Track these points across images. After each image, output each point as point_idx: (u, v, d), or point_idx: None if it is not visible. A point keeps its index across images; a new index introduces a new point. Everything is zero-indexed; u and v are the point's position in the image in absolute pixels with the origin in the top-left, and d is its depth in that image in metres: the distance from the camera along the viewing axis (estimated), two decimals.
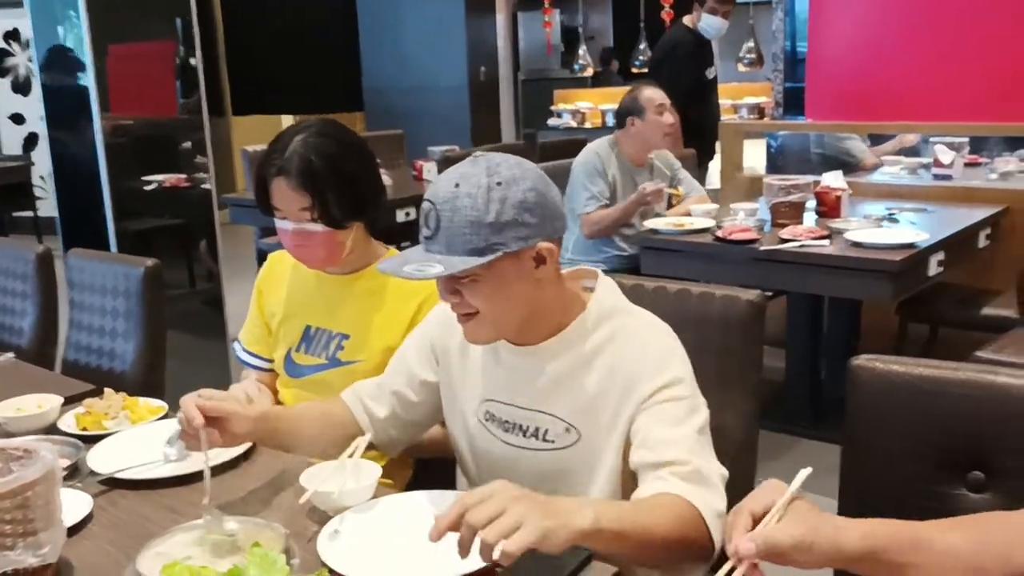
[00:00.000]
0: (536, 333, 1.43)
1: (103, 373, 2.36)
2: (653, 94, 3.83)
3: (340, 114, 8.85)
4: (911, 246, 3.11)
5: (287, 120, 8.75)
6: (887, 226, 3.46)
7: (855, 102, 4.40)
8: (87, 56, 3.76)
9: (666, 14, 7.94)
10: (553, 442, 1.43)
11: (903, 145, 5.02)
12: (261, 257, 5.28)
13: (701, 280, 2.63)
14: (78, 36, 3.89)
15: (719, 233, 3.39)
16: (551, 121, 8.50)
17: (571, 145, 4.84)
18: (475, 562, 1.07)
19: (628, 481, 1.36)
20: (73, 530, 1.38)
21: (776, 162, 5.03)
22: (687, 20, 5.17)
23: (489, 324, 1.38)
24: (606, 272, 1.56)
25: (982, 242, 3.72)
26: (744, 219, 3.52)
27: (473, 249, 1.30)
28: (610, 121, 8.13)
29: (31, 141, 8.50)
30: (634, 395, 1.35)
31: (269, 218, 1.85)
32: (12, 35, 8.39)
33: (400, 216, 4.93)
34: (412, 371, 1.60)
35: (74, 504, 1.44)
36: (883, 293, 3.07)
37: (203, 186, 4.89)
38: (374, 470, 1.47)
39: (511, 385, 1.47)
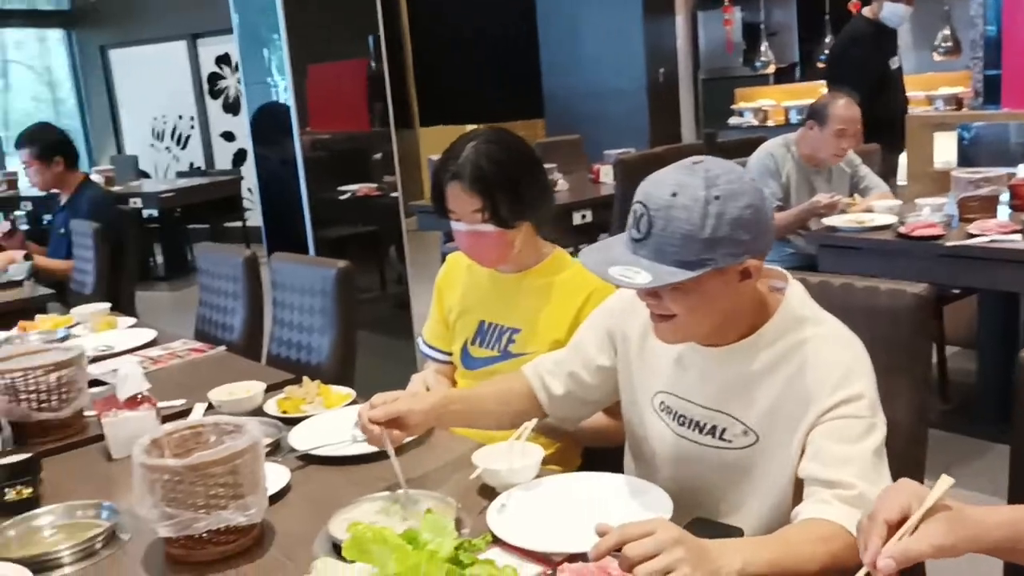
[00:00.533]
0: (724, 336, 1.44)
1: (301, 365, 2.57)
2: (844, 113, 3.69)
3: (521, 121, 9.12)
4: None
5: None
6: None
7: None
8: (288, 76, 4.08)
9: (853, 6, 7.67)
10: (730, 442, 1.45)
11: None
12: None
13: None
14: (280, 58, 4.23)
15: (901, 229, 3.29)
16: (732, 120, 8.38)
17: (748, 144, 4.78)
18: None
19: (797, 488, 1.37)
20: (274, 499, 1.56)
21: (968, 155, 4.77)
22: (867, 11, 5.01)
23: (683, 329, 1.40)
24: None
25: None
26: (929, 214, 3.39)
27: (682, 261, 1.29)
28: (793, 119, 7.94)
29: (240, 157, 9.20)
30: (814, 406, 1.34)
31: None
32: (223, 59, 9.11)
33: (576, 219, 5.03)
34: (589, 355, 1.66)
35: (275, 476, 1.62)
36: None
37: (391, 195, 5.18)
38: (539, 452, 1.57)
39: (691, 383, 1.49)
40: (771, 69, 8.46)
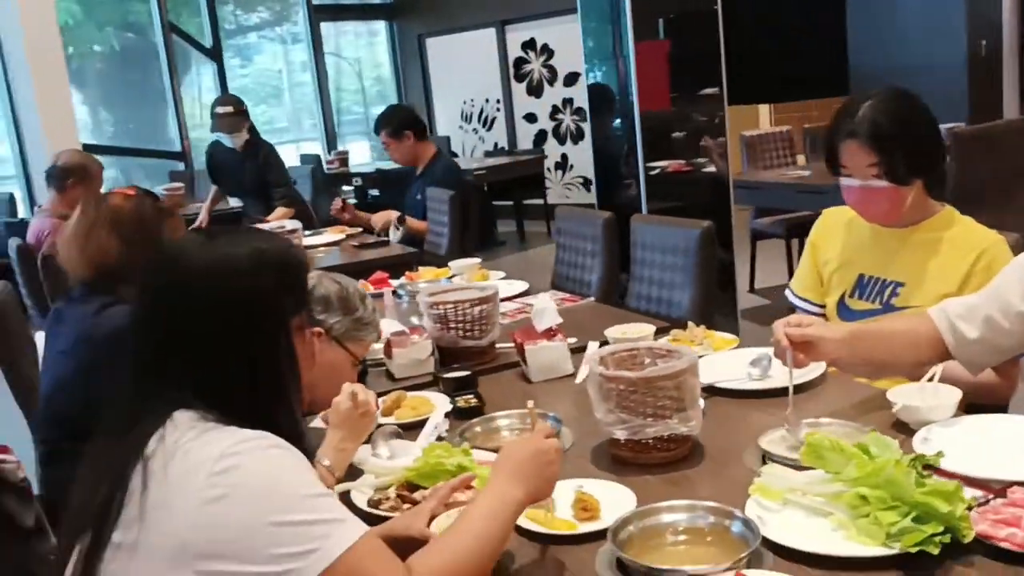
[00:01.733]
0: None
1: (661, 317, 2.75)
2: None
3: (826, 99, 8.87)
4: None
5: (764, 109, 8.95)
6: None
7: None
8: (630, 54, 4.27)
9: None
10: None
11: None
12: (756, 236, 5.56)
13: None
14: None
15: None
16: None
17: None
18: None
19: None
20: None
21: None
22: None
23: None
24: None
25: None
26: None
27: None
28: None
29: (541, 137, 9.65)
30: None
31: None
32: (529, 44, 9.58)
33: None
34: (1008, 300, 1.68)
35: None
36: None
37: (704, 170, 5.31)
38: (956, 393, 1.63)
39: None
40: None
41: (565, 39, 9.30)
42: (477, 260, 3.34)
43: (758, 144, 6.00)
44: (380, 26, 11.00)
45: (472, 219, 4.60)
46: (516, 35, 9.64)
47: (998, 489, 1.35)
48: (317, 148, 10.16)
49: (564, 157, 9.56)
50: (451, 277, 3.24)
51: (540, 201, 8.98)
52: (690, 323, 2.24)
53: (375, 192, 8.75)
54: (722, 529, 1.32)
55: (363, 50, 11.26)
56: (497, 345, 2.32)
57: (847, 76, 8.95)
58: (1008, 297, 1.69)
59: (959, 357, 1.74)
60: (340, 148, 9.84)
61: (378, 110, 4.92)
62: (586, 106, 9.23)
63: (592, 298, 2.82)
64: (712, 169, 5.47)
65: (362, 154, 10.56)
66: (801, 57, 8.73)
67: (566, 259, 3.30)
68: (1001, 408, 1.85)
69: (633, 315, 2.67)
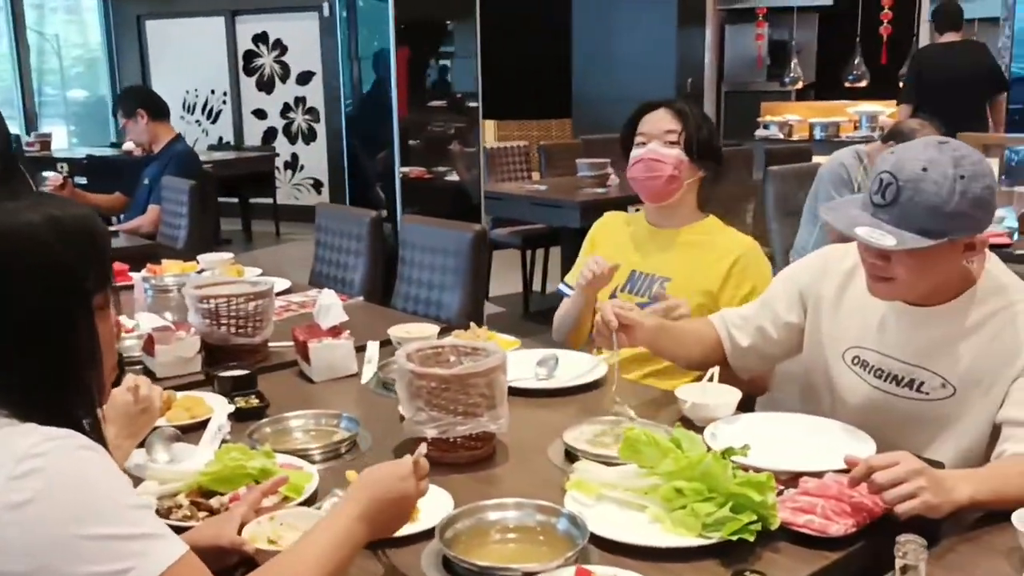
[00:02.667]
0: (930, 298, 1.60)
1: (430, 319, 2.73)
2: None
3: (553, 120, 9.32)
4: None
5: (490, 124, 9.19)
6: None
7: None
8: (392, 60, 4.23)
9: (884, 30, 7.94)
10: (927, 394, 1.62)
11: None
12: (493, 246, 5.70)
13: None
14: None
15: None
16: (758, 133, 8.59)
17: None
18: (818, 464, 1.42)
19: (994, 435, 1.55)
20: None
21: (1013, 175, 5.01)
22: None
23: (901, 289, 1.57)
24: None
25: None
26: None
27: (924, 230, 1.44)
28: (818, 135, 8.18)
29: (270, 134, 9.32)
30: (1019, 362, 1.53)
31: None
32: (260, 37, 9.22)
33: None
34: (777, 312, 1.84)
35: None
36: None
37: (446, 178, 5.41)
38: (736, 392, 1.75)
39: (894, 340, 1.66)
40: (799, 85, 8.70)
41: (300, 36, 9.07)
42: (229, 255, 3.15)
43: (498, 157, 6.15)
44: (92, 2, 10.11)
45: (210, 212, 4.34)
46: (247, 27, 9.25)
47: (787, 480, 1.45)
48: (15, 129, 9.13)
49: (295, 157, 9.29)
50: (200, 272, 3.02)
51: (269, 200, 8.64)
52: (472, 324, 2.23)
53: (82, 180, 8.02)
54: (549, 527, 1.32)
55: (71, 27, 10.29)
56: (270, 344, 2.19)
57: (571, 101, 9.50)
58: (776, 308, 1.84)
59: (733, 363, 1.88)
60: (42, 131, 8.93)
61: (82, 94, 4.61)
62: (320, 106, 9.12)
63: (361, 298, 2.73)
64: (456, 177, 5.54)
65: (61, 138, 9.62)
66: (534, 80, 9.14)
67: (327, 257, 3.19)
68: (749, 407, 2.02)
69: (406, 316, 2.62)
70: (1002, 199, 4.38)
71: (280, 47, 9.17)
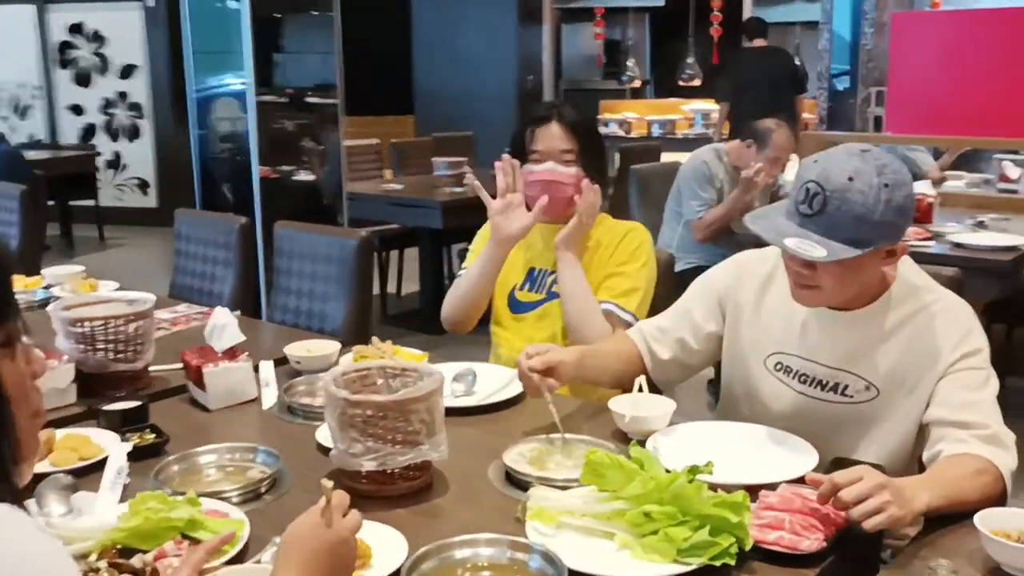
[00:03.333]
0: (851, 303, 1.61)
1: (313, 331, 2.57)
2: (784, 143, 4.00)
3: (393, 116, 9.13)
4: (1015, 248, 3.37)
5: None
6: (981, 231, 3.73)
7: (934, 117, 4.66)
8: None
9: (714, 31, 8.24)
10: (851, 397, 1.64)
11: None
12: None
13: None
14: None
15: None
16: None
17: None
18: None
19: (920, 434, 1.59)
20: None
21: None
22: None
23: (825, 296, 1.58)
24: None
25: None
26: None
27: (851, 239, 1.45)
28: (655, 132, 8.42)
29: (89, 132, 8.69)
30: (940, 362, 1.55)
31: None
32: (77, 28, 8.57)
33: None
34: (696, 322, 1.82)
35: None
36: (989, 292, 3.31)
37: (293, 178, 5.21)
38: (671, 402, 1.71)
39: (814, 344, 1.66)
40: (637, 84, 8.91)
41: (121, 27, 8.50)
42: (79, 267, 2.86)
43: (350, 155, 5.95)
44: None
45: (41, 218, 3.96)
46: (61, 16, 8.58)
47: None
48: None
49: (117, 155, 8.71)
50: (47, 287, 2.73)
51: (91, 203, 8.04)
52: (374, 338, 2.10)
53: None
54: (520, 564, 1.23)
55: None
56: (151, 368, 1.99)
57: (412, 96, 9.36)
58: (695, 318, 1.82)
59: (655, 376, 1.84)
60: None
61: None
62: (144, 101, 8.57)
63: (238, 312, 2.53)
64: (307, 176, 5.32)
65: None
66: (377, 75, 8.93)
67: (188, 267, 2.95)
68: None
69: (290, 331, 2.46)
70: None
71: (99, 39, 8.56)
